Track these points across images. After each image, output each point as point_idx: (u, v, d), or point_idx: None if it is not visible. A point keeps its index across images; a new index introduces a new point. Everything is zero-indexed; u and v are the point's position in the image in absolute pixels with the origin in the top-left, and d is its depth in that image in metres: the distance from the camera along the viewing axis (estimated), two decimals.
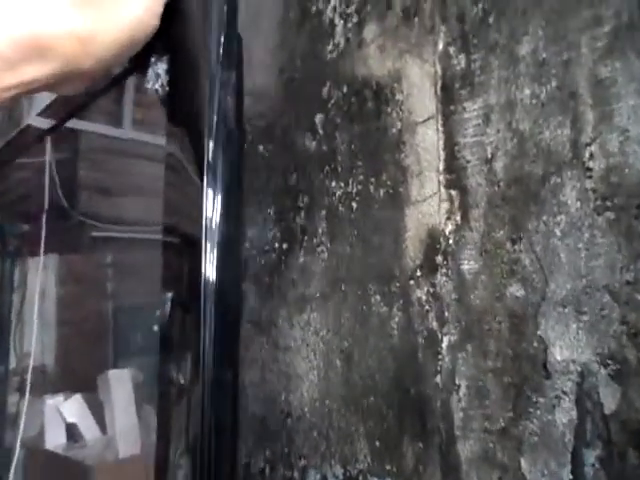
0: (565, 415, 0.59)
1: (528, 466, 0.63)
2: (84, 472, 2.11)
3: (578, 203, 0.57)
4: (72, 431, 2.41)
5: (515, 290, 0.64)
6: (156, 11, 0.58)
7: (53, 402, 2.39)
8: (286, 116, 0.94)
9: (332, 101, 0.85)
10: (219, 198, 0.57)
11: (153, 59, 0.68)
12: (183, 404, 0.64)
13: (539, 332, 0.62)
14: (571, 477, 0.58)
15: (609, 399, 0.55)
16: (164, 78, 0.69)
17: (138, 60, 0.64)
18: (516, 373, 0.65)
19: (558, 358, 0.60)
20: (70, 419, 2.40)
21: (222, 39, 0.62)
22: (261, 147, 1.01)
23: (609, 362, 0.55)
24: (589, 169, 0.55)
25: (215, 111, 0.59)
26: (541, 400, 0.62)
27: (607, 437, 0.54)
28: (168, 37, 0.62)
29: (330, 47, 0.84)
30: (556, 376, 0.60)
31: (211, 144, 0.58)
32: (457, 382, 0.72)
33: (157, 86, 0.70)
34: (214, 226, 0.58)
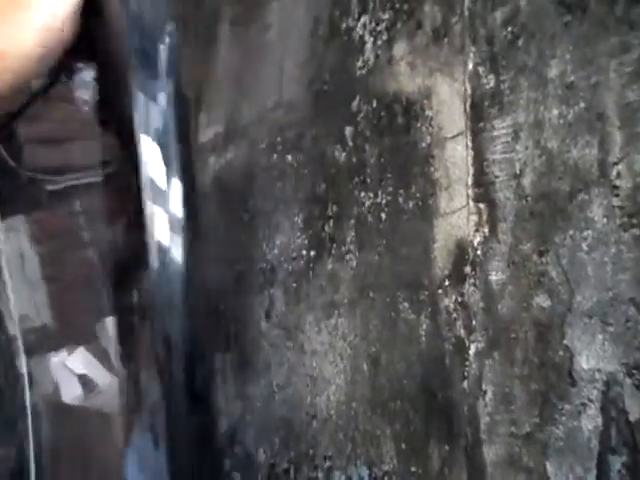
0: (590, 422, 0.62)
1: (554, 470, 0.66)
2: (102, 418, 2.18)
3: (605, 219, 0.59)
4: (85, 381, 2.49)
5: (542, 300, 0.67)
6: (65, 14, 0.53)
7: (58, 359, 2.49)
8: (315, 127, 0.97)
9: (362, 114, 0.88)
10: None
11: (80, 66, 0.64)
12: (146, 326, 0.64)
13: (565, 341, 0.64)
14: None
15: (634, 408, 0.57)
16: (93, 86, 0.65)
17: (59, 70, 0.60)
18: (542, 380, 0.67)
19: (584, 367, 0.62)
20: (79, 371, 2.49)
21: (150, 45, 0.58)
22: (290, 157, 1.04)
23: (634, 372, 0.58)
24: (616, 187, 0.58)
25: (144, 123, 0.56)
26: (567, 407, 0.64)
27: (633, 444, 0.57)
28: (93, 44, 0.58)
29: (360, 63, 0.87)
30: (582, 384, 0.63)
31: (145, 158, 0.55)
32: (484, 388, 0.75)
33: (86, 96, 0.67)
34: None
